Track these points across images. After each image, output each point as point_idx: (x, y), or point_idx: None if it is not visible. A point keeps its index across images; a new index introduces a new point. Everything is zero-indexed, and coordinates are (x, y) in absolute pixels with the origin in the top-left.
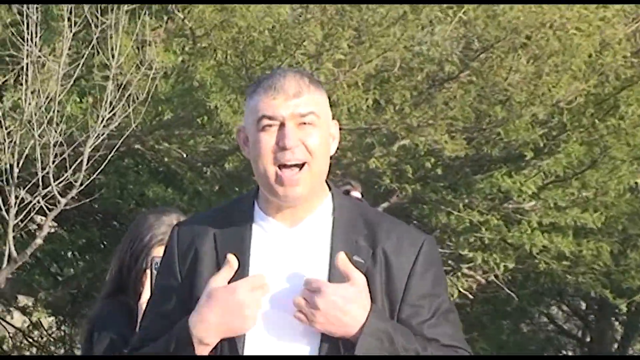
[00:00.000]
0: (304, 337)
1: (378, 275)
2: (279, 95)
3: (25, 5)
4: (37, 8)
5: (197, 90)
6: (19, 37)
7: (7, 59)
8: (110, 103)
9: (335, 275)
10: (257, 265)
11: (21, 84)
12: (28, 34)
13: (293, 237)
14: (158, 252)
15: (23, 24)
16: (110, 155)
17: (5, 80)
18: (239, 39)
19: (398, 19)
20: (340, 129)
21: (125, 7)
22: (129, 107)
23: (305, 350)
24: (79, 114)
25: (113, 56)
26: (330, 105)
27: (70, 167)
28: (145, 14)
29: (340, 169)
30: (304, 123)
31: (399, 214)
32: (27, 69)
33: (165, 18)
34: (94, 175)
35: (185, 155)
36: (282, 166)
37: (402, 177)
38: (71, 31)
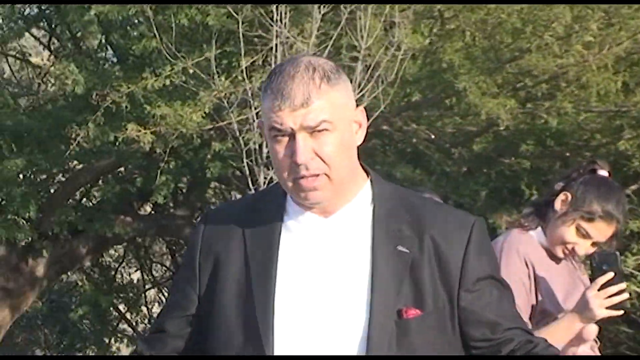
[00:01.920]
0: (343, 336)
1: (427, 264)
2: (284, 106)
3: None
4: None
5: (446, 72)
6: (267, 18)
7: (256, 39)
8: (359, 84)
9: (378, 268)
10: (287, 259)
11: (270, 65)
12: (277, 14)
13: (328, 228)
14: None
15: (272, 4)
16: None
17: (254, 61)
18: (488, 20)
19: None
20: (589, 111)
21: None
22: (377, 88)
23: (346, 350)
24: None
25: (362, 37)
26: (581, 87)
27: None
28: None
29: (590, 151)
30: (317, 131)
31: None
32: (275, 50)
33: None
34: None
35: (433, 136)
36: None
37: None
38: (320, 12)
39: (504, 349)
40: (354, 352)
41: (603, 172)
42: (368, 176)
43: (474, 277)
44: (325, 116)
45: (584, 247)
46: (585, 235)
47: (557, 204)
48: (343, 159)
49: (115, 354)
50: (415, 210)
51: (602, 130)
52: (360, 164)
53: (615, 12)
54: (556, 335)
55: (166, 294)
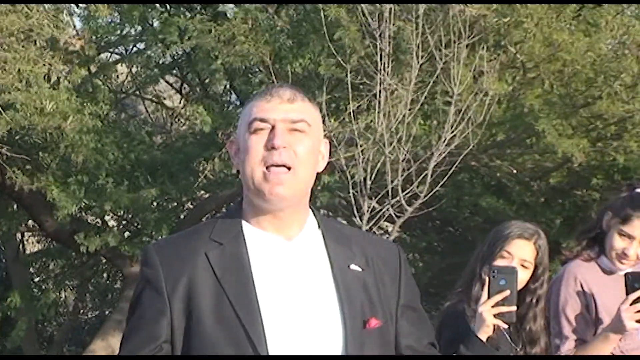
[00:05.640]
0: (327, 346)
1: (373, 281)
2: (273, 99)
3: (378, 40)
4: (389, 42)
5: (527, 115)
6: (372, 67)
7: (361, 86)
8: (452, 125)
9: (339, 282)
10: (262, 279)
11: (374, 108)
12: (380, 64)
13: (292, 250)
14: (500, 261)
15: (376, 55)
16: (451, 171)
17: (360, 105)
18: (564, 71)
19: None
20: None
21: (465, 41)
22: (467, 129)
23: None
24: (423, 134)
25: (454, 84)
26: None
27: (415, 181)
28: (482, 48)
29: None
30: (295, 130)
31: None
32: (379, 95)
33: (499, 52)
34: (436, 188)
35: (514, 171)
36: (269, 167)
37: None
38: (418, 63)
39: None
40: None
41: None
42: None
43: (407, 295)
44: (305, 116)
45: (633, 249)
46: (629, 236)
47: (604, 224)
48: (308, 165)
49: None
50: (350, 235)
51: None
52: None
53: None
54: (596, 348)
55: None
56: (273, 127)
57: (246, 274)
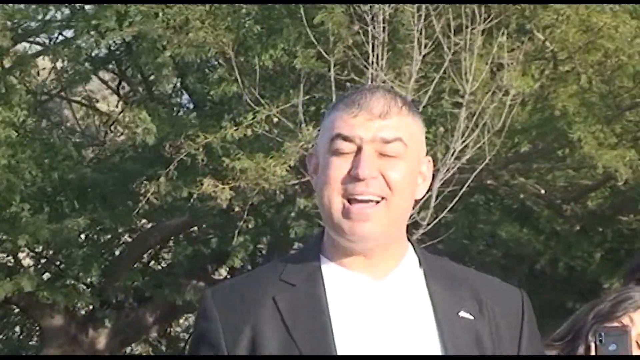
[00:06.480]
0: None
1: (488, 333)
2: (361, 113)
3: (370, 25)
4: (383, 28)
5: (558, 120)
6: (362, 60)
7: (348, 84)
8: (462, 133)
9: (444, 332)
10: (343, 327)
11: None
12: (373, 56)
13: (383, 291)
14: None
15: (367, 44)
16: (461, 191)
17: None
18: (606, 63)
19: None
20: None
21: (480, 26)
22: (482, 138)
23: None
24: (426, 145)
25: (467, 81)
26: None
27: (416, 205)
28: (502, 34)
29: None
30: (387, 154)
31: None
32: None
33: (524, 39)
34: (442, 214)
35: (542, 191)
36: (352, 200)
37: None
38: (420, 54)
39: None
40: None
41: None
42: (409, 241)
43: (529, 352)
44: (401, 134)
45: None
46: None
47: None
48: (404, 194)
49: None
50: (462, 274)
51: None
52: None
53: None
54: None
55: None
56: (359, 149)
57: (323, 321)
